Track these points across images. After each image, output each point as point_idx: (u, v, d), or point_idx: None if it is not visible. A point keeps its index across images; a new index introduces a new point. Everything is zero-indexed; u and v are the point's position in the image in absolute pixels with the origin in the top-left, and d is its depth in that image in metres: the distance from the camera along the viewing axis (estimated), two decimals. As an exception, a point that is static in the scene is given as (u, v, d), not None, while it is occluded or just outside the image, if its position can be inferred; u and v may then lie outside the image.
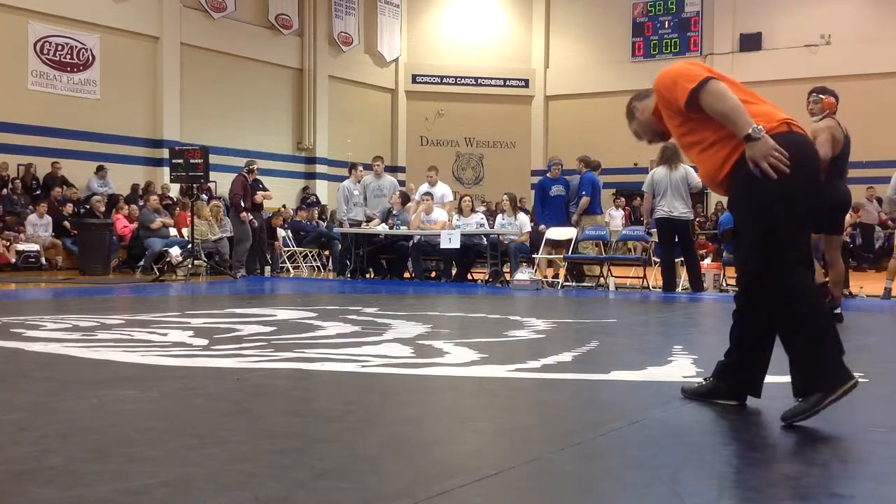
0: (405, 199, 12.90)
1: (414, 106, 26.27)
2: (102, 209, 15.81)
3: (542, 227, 11.71)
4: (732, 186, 3.24)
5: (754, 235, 3.18)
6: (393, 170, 22.68)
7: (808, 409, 3.01)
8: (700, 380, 3.60)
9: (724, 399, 3.37)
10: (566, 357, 4.65)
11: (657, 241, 10.51)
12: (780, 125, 3.14)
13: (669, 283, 10.17)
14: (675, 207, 9.94)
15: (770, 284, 3.13)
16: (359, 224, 13.01)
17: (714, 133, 3.20)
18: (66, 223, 15.78)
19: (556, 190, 11.85)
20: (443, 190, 12.91)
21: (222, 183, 18.80)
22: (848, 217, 14.38)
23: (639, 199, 23.26)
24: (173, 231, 14.95)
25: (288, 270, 15.17)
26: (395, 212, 12.61)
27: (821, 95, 6.67)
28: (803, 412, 3.02)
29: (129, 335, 5.49)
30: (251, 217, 12.82)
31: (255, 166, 13.36)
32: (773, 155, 3.02)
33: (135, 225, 15.01)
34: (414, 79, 26.24)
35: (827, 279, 6.69)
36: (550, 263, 12.06)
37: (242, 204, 12.70)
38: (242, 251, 12.82)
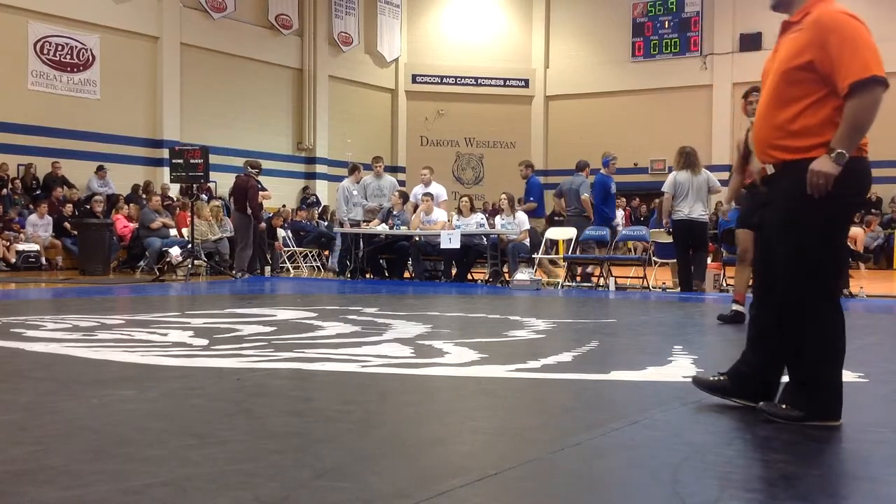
0: (405, 198, 12.90)
1: (414, 106, 26.26)
2: (103, 209, 15.80)
3: (616, 221, 11.90)
4: (786, 185, 3.08)
5: (790, 251, 3.07)
6: (393, 170, 22.68)
7: (787, 418, 3.04)
8: (715, 375, 3.47)
9: (737, 398, 3.30)
10: (566, 357, 4.65)
11: (673, 242, 10.51)
12: (856, 150, 3.02)
13: (686, 283, 10.23)
14: (695, 210, 10.03)
15: (794, 307, 3.07)
16: (359, 224, 13.00)
17: (826, 112, 3.02)
18: (67, 223, 15.78)
19: (614, 187, 12.07)
20: (437, 189, 12.91)
21: (222, 183, 18.80)
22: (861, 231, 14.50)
23: (638, 199, 23.27)
24: (173, 231, 14.94)
25: (288, 270, 15.17)
26: (395, 212, 12.61)
27: None
28: (782, 417, 3.05)
29: (129, 335, 5.49)
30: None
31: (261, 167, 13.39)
32: (824, 185, 2.94)
33: (135, 225, 15.00)
34: (414, 79, 26.22)
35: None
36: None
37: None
38: (245, 258, 12.78)
